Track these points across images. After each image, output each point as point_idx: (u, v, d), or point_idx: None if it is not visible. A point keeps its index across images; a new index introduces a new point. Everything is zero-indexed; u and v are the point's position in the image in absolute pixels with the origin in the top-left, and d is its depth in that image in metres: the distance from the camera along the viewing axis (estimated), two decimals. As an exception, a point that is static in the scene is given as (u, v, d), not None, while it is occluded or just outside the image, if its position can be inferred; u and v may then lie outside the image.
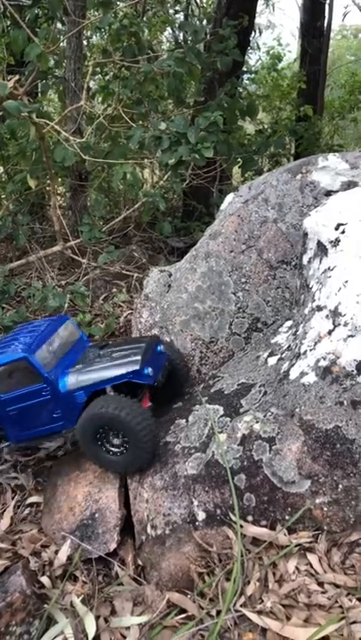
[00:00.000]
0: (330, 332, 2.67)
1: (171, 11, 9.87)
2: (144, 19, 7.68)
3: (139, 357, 2.89)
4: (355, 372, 2.49)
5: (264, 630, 2.15)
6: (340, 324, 2.64)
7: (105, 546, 2.84)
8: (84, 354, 3.15)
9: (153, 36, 9.18)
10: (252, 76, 9.42)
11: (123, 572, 2.72)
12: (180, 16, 10.00)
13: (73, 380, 2.92)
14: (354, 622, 2.09)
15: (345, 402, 2.46)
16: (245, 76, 8.68)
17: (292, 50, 12.74)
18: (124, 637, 2.37)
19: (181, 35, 9.10)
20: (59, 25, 6.52)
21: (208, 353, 3.58)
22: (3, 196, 6.40)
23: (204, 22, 9.13)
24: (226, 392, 3.09)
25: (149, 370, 2.88)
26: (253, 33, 9.02)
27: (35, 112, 4.71)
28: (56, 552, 2.83)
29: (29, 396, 2.94)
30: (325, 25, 10.37)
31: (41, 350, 2.95)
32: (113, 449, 2.84)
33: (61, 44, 6.34)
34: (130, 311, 5.34)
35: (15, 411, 2.99)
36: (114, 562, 2.77)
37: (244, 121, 7.41)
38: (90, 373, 2.91)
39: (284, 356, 3.03)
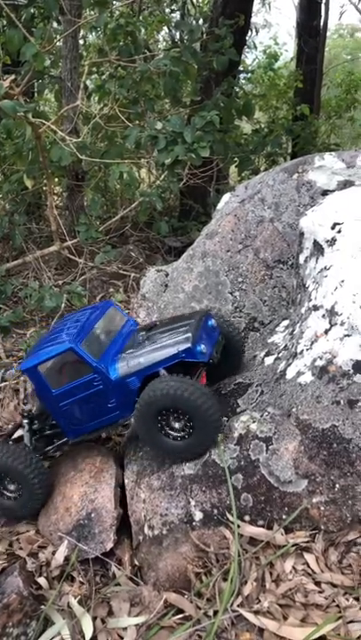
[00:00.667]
0: (326, 332, 2.67)
1: (167, 10, 9.87)
2: (140, 18, 7.67)
3: (189, 335, 2.74)
4: (351, 371, 2.49)
5: (261, 630, 2.15)
6: (336, 324, 2.64)
7: (102, 545, 2.84)
8: (132, 338, 3.02)
9: (149, 36, 9.18)
10: (249, 75, 9.42)
11: (120, 573, 2.72)
12: (177, 15, 10.00)
13: (124, 366, 2.79)
14: (351, 621, 2.09)
15: (342, 401, 2.46)
16: (242, 76, 8.68)
17: (288, 49, 12.76)
18: (122, 638, 2.36)
19: (178, 34, 9.10)
20: (55, 24, 6.52)
21: (205, 353, 3.58)
22: (-1, 196, 6.40)
23: (201, 21, 9.13)
24: (223, 392, 3.08)
25: (202, 347, 2.74)
26: (250, 32, 9.04)
27: (31, 112, 4.70)
28: (53, 553, 2.83)
29: (81, 388, 2.81)
30: (322, 24, 10.37)
31: (87, 339, 2.82)
32: (174, 433, 2.67)
33: (57, 44, 6.33)
34: (127, 311, 5.34)
35: (69, 405, 2.87)
36: (111, 562, 2.77)
37: (240, 120, 7.41)
38: (140, 357, 2.78)
39: (280, 355, 3.03)
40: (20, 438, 3.23)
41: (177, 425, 2.66)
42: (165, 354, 2.72)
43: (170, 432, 2.68)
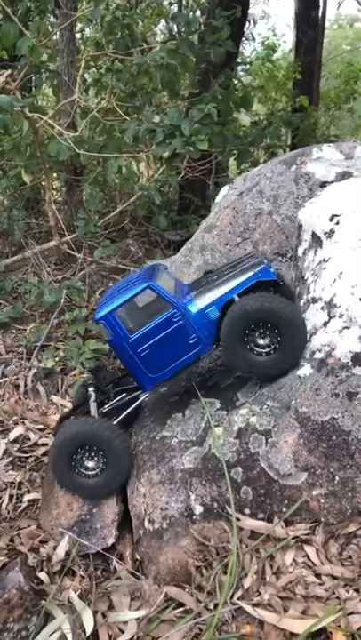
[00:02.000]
0: (325, 324, 2.66)
1: (164, 2, 9.81)
2: (137, 10, 7.62)
3: (260, 259, 2.85)
4: (350, 363, 2.49)
5: (262, 622, 2.15)
6: (335, 316, 2.63)
7: (103, 541, 2.84)
8: (193, 285, 3.06)
9: (147, 29, 9.13)
10: (247, 67, 9.36)
11: (121, 567, 2.72)
12: (174, 7, 9.94)
13: (200, 299, 2.81)
14: (351, 613, 2.10)
15: (341, 393, 2.46)
16: (240, 68, 8.63)
17: (287, 40, 12.69)
18: (122, 632, 2.37)
19: (175, 26, 9.04)
20: (51, 18, 6.48)
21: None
22: (-2, 192, 6.39)
23: (198, 13, 9.07)
24: (222, 385, 3.08)
25: (273, 268, 2.82)
26: (248, 23, 8.96)
27: (28, 107, 4.68)
28: (54, 548, 2.83)
29: (160, 327, 2.77)
30: (320, 14, 10.30)
31: (159, 280, 2.84)
32: (260, 349, 2.70)
33: (54, 38, 6.30)
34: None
35: (148, 349, 2.80)
36: (112, 557, 2.77)
37: (239, 113, 7.37)
38: (215, 289, 2.81)
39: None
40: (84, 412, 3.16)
41: (262, 341, 2.70)
42: (243, 278, 2.77)
43: (256, 348, 2.71)
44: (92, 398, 3.06)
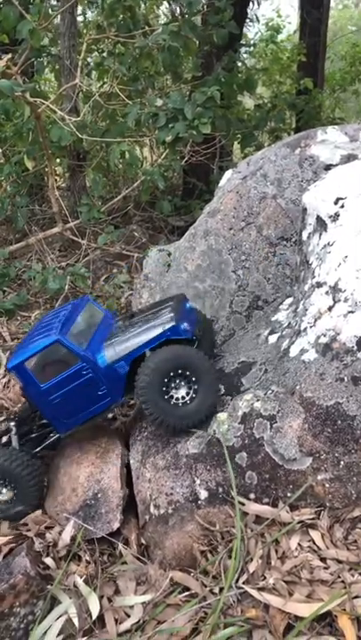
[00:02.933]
0: (330, 309, 2.64)
1: (167, -17, 9.65)
2: (139, -8, 7.50)
3: (172, 314, 2.87)
4: (355, 347, 2.47)
5: (267, 606, 2.15)
6: (340, 300, 2.61)
7: (108, 525, 2.85)
8: (113, 329, 3.11)
9: (149, 11, 8.99)
10: (251, 49, 9.23)
11: (126, 552, 2.74)
12: (177, -11, 9.78)
13: (111, 352, 2.87)
14: (356, 597, 2.10)
15: (345, 378, 2.44)
16: (244, 50, 8.51)
17: (291, 21, 12.48)
18: (128, 616, 2.39)
19: (178, 8, 8.91)
20: (52, 1, 6.40)
21: (209, 332, 3.56)
22: (1, 179, 6.33)
23: (201, -6, 8.92)
24: (226, 371, 3.07)
25: (185, 324, 2.85)
26: (251, 4, 8.83)
27: (29, 91, 4.63)
28: (60, 533, 2.84)
29: (70, 379, 2.86)
30: (325, -6, 10.13)
31: (71, 332, 2.90)
32: (179, 401, 2.77)
33: (55, 21, 6.22)
34: (131, 292, 5.31)
35: (59, 398, 2.90)
36: (117, 542, 2.78)
37: (242, 96, 7.29)
38: (126, 342, 2.87)
39: (284, 333, 3.01)
40: (7, 443, 3.24)
41: (181, 392, 2.77)
42: (151, 334, 2.83)
43: (176, 399, 2.77)
44: (14, 431, 3.15)
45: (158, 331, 2.82)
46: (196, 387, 2.75)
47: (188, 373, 2.73)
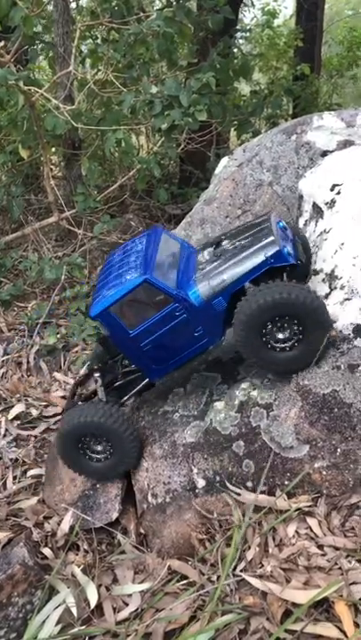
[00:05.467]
0: (326, 296, 2.63)
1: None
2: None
3: (272, 238, 2.51)
4: (352, 335, 2.46)
5: (264, 594, 2.16)
6: (336, 288, 2.60)
7: (107, 515, 2.86)
8: (198, 258, 2.77)
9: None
10: (247, 34, 9.13)
11: (125, 541, 2.74)
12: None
13: (205, 287, 2.54)
14: (353, 583, 2.10)
15: (342, 366, 2.44)
16: (239, 35, 8.43)
17: (288, 6, 12.33)
18: (126, 605, 2.39)
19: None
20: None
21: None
22: (-4, 168, 6.31)
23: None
24: (223, 360, 3.06)
25: (288, 248, 2.52)
26: (247, -11, 8.73)
27: (23, 80, 4.58)
28: (59, 523, 2.85)
29: (162, 322, 2.55)
30: (322, -22, 10.02)
31: (156, 269, 2.56)
32: (281, 344, 2.46)
33: (48, 8, 6.14)
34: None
35: (150, 344, 2.61)
36: (116, 531, 2.79)
37: (239, 82, 7.22)
38: (222, 274, 2.54)
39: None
40: (88, 396, 3.04)
41: (281, 336, 2.46)
42: (251, 264, 2.50)
43: (275, 344, 2.46)
44: (99, 383, 2.91)
45: (259, 258, 2.47)
46: (300, 335, 2.43)
47: (294, 321, 2.40)
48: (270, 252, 2.47)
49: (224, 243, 2.74)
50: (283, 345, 2.47)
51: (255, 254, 2.50)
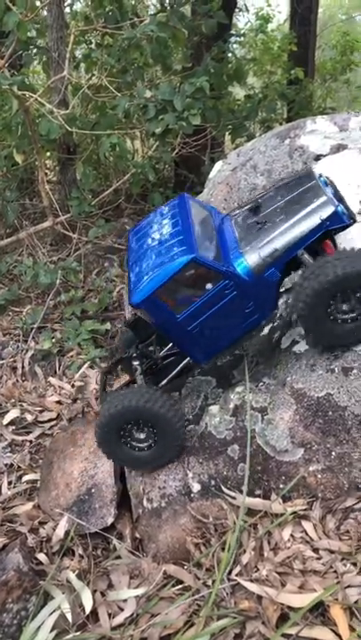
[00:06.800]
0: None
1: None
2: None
3: (324, 197, 2.32)
4: (345, 338, 2.46)
5: (260, 598, 2.16)
6: (330, 291, 2.60)
7: (102, 520, 2.85)
8: (235, 226, 2.55)
9: (138, 1, 8.91)
10: (241, 39, 9.16)
11: (120, 546, 2.73)
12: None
13: (254, 258, 2.34)
14: (348, 586, 2.10)
15: (336, 369, 2.44)
16: (233, 40, 8.45)
17: (282, 10, 12.40)
18: (122, 610, 2.39)
19: (167, -1, 8.84)
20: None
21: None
22: (-10, 173, 6.29)
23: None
24: (218, 363, 3.06)
25: (341, 206, 2.31)
26: (241, -6, 8.77)
27: (17, 84, 4.58)
28: (54, 528, 2.84)
29: (210, 302, 2.37)
30: (315, -17, 10.08)
31: (199, 243, 2.35)
32: (345, 316, 2.32)
33: (43, 13, 6.15)
34: (123, 285, 5.30)
35: (199, 327, 2.42)
36: (111, 536, 2.78)
37: (233, 86, 7.24)
38: (272, 242, 2.33)
39: (276, 325, 3.00)
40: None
41: (345, 307, 2.31)
42: (306, 228, 2.30)
43: (342, 316, 2.31)
44: (139, 371, 2.72)
45: (314, 221, 2.28)
46: None
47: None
48: (326, 213, 2.29)
49: (263, 207, 2.53)
50: (346, 316, 2.32)
51: (308, 217, 2.32)
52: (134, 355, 2.75)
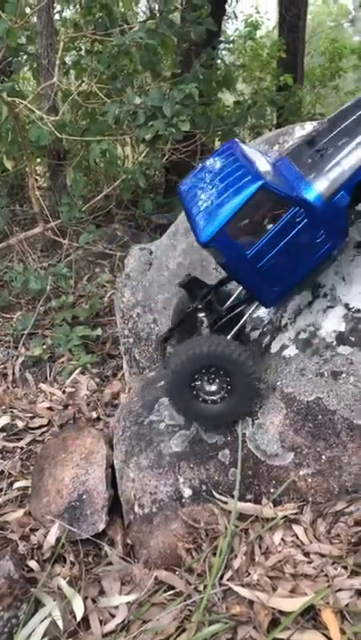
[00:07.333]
0: (310, 304, 2.66)
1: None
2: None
3: None
4: (335, 342, 2.48)
5: (251, 602, 2.16)
6: (319, 296, 2.63)
7: (94, 526, 2.84)
8: (293, 162, 2.48)
9: (127, 8, 8.96)
10: (230, 45, 9.23)
11: (111, 552, 2.73)
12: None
13: (323, 183, 2.26)
14: (339, 590, 2.11)
15: (325, 373, 2.46)
16: (222, 46, 8.52)
17: (270, 17, 12.51)
18: (113, 616, 2.38)
19: (156, 5, 8.89)
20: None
21: (191, 330, 3.55)
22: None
23: (179, -9, 8.91)
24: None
25: None
26: (230, 1, 8.84)
27: (6, 91, 4.60)
28: (45, 535, 2.83)
29: (281, 234, 2.25)
30: (303, -10, 10.18)
31: (264, 172, 2.26)
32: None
33: (32, 20, 6.17)
34: (114, 291, 5.30)
35: (270, 261, 2.30)
36: (102, 543, 2.78)
37: (222, 93, 7.30)
38: (339, 165, 2.25)
39: (265, 330, 3.01)
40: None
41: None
42: None
43: None
44: (205, 323, 2.60)
45: None
46: None
47: None
48: None
49: (319, 138, 2.48)
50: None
51: None
52: (200, 307, 2.64)
